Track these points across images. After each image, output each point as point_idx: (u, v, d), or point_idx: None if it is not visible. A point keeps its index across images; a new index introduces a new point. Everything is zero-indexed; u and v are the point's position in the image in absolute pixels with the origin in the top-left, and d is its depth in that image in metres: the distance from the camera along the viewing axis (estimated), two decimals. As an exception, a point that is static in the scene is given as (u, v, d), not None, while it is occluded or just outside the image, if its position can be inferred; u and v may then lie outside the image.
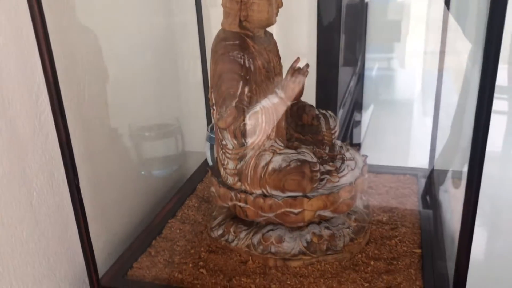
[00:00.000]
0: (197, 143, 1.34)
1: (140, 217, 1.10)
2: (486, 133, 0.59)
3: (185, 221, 1.04)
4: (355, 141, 1.61)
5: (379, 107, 1.56)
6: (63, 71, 0.83)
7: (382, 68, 1.54)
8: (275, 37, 0.92)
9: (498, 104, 1.38)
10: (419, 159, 1.36)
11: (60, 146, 0.72)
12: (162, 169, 1.24)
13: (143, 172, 1.21)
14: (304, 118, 0.95)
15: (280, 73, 0.93)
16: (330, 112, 1.01)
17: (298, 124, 0.96)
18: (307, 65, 0.81)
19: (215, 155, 0.93)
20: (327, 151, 0.95)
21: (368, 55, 1.50)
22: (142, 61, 1.16)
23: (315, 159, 0.84)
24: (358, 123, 1.60)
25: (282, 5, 0.85)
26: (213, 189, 0.93)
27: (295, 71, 0.80)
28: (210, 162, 1.21)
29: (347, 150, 0.98)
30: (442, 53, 1.23)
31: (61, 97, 0.69)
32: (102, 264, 0.95)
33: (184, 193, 1.16)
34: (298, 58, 0.81)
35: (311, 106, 0.97)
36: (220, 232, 0.93)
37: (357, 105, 1.57)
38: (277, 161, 0.82)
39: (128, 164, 1.11)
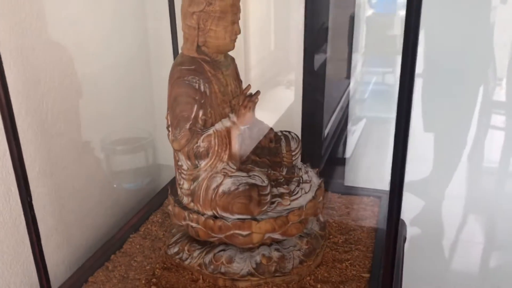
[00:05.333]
0: (171, 156, 1.36)
1: (104, 231, 1.13)
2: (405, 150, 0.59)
3: (146, 236, 1.07)
4: (340, 156, 1.63)
5: (368, 123, 1.55)
6: (23, 86, 0.86)
7: (377, 82, 1.54)
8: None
9: (496, 119, 1.39)
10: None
11: (12, 163, 0.75)
12: (132, 183, 1.27)
13: (115, 185, 1.24)
14: (261, 141, 0.97)
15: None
16: (293, 133, 1.03)
17: (257, 147, 0.98)
18: (258, 92, 0.83)
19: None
20: (284, 173, 0.97)
21: (365, 68, 1.50)
22: (114, 72, 1.17)
23: (266, 182, 0.86)
24: (344, 137, 1.61)
25: (240, 32, 0.88)
26: (169, 207, 0.95)
27: (245, 97, 0.82)
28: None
29: (306, 172, 1.00)
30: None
31: (13, 115, 0.71)
32: (63, 275, 0.98)
33: (150, 207, 1.18)
34: (249, 85, 0.84)
35: (270, 129, 0.99)
36: (176, 249, 0.95)
37: (344, 119, 1.58)
38: (227, 184, 0.84)
39: (95, 178, 1.13)
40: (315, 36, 1.33)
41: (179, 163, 0.89)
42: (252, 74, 1.53)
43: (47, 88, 0.93)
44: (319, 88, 1.44)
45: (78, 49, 1.02)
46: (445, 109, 1.35)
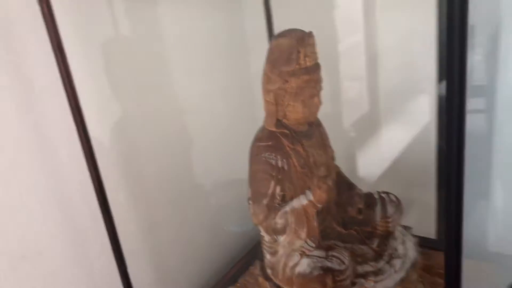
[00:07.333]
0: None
1: (208, 277, 1.20)
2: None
3: (243, 290, 1.10)
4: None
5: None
6: (117, 157, 0.96)
7: None
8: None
9: None
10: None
11: (109, 237, 0.84)
12: (237, 226, 1.32)
13: (225, 228, 1.31)
14: (349, 211, 0.92)
15: (332, 159, 0.92)
16: (392, 195, 0.96)
17: (345, 216, 0.93)
18: (331, 173, 0.79)
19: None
20: (375, 245, 0.90)
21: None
22: (218, 115, 1.24)
23: (345, 265, 0.81)
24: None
25: (321, 104, 0.85)
26: (256, 271, 0.97)
27: (319, 179, 0.79)
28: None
29: (402, 243, 0.92)
30: None
31: (106, 198, 0.80)
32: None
33: (252, 256, 1.21)
34: (324, 167, 0.80)
35: (360, 197, 0.93)
36: (263, 313, 0.96)
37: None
38: (303, 265, 0.82)
39: (200, 223, 1.20)
40: (452, 38, 1.18)
41: (261, 234, 0.90)
42: (389, 86, 1.44)
43: (148, 151, 1.03)
44: (459, 101, 1.27)
45: (182, 92, 1.11)
46: None
